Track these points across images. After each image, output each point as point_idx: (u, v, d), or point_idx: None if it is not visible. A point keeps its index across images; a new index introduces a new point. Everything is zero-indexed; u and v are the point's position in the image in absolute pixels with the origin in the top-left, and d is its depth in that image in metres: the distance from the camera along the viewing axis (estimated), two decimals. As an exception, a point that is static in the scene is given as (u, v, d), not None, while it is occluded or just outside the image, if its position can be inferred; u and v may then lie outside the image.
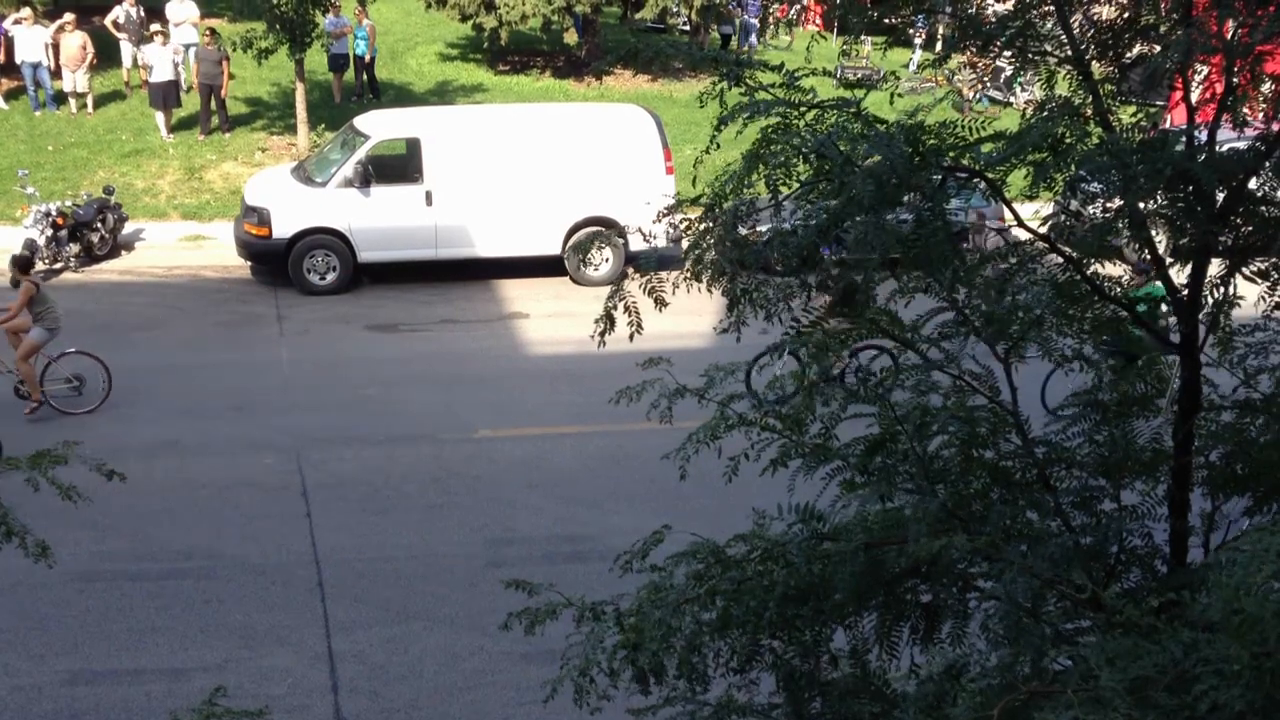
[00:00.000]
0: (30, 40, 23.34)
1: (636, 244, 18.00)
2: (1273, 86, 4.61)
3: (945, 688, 3.71)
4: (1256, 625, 2.92)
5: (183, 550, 11.62)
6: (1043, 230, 4.81)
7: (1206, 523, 5.02)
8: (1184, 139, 4.47)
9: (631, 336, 4.96)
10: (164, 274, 19.32)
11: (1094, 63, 4.79)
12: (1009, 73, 27.09)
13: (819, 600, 4.43)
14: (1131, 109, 4.87)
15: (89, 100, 24.37)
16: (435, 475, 13.24)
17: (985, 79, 27.65)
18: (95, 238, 18.98)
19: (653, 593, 4.44)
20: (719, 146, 4.60)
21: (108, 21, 25.06)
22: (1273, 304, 4.70)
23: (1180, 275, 4.71)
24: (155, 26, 23.87)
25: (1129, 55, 4.84)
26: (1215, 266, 4.66)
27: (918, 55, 30.60)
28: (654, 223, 5.26)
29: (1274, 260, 4.65)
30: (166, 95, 23.15)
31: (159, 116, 23.43)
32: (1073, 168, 4.30)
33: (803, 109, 4.36)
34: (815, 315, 4.89)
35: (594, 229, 18.27)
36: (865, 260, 4.30)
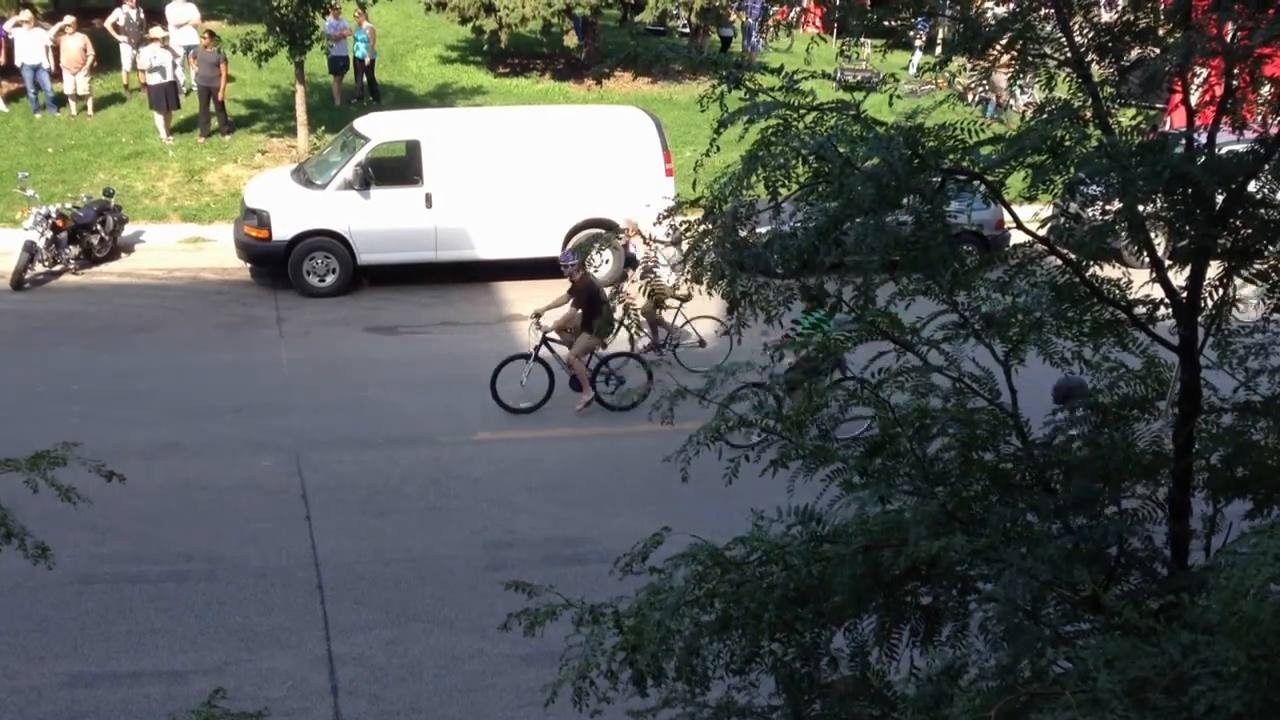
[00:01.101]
0: (30, 43, 23.35)
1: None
2: (1272, 89, 4.61)
3: (943, 688, 3.72)
4: (1254, 627, 2.92)
5: (182, 552, 11.61)
6: (1042, 233, 4.82)
7: (1208, 526, 5.02)
8: (1183, 142, 4.47)
9: (631, 338, 4.97)
10: (164, 276, 19.33)
11: (1093, 65, 4.80)
12: (1008, 75, 27.07)
13: (818, 602, 4.43)
14: (1131, 111, 4.87)
15: (89, 103, 24.38)
16: (435, 477, 13.24)
17: (985, 84, 27.62)
18: (95, 240, 18.99)
19: (652, 595, 4.44)
20: (719, 149, 4.61)
21: (108, 24, 25.06)
22: (1272, 306, 4.70)
23: (1180, 277, 4.71)
24: (155, 29, 23.88)
25: (1128, 58, 4.85)
26: (1214, 269, 4.66)
27: (917, 58, 30.59)
28: (654, 225, 5.27)
29: (1273, 262, 4.65)
30: (165, 97, 23.15)
31: (158, 118, 23.44)
32: (1072, 170, 4.31)
33: (802, 111, 4.37)
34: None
35: (594, 231, 18.27)
36: (865, 262, 4.30)
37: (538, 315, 14.65)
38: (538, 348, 14.51)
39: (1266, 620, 2.90)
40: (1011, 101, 27.30)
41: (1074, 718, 3.04)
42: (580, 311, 14.40)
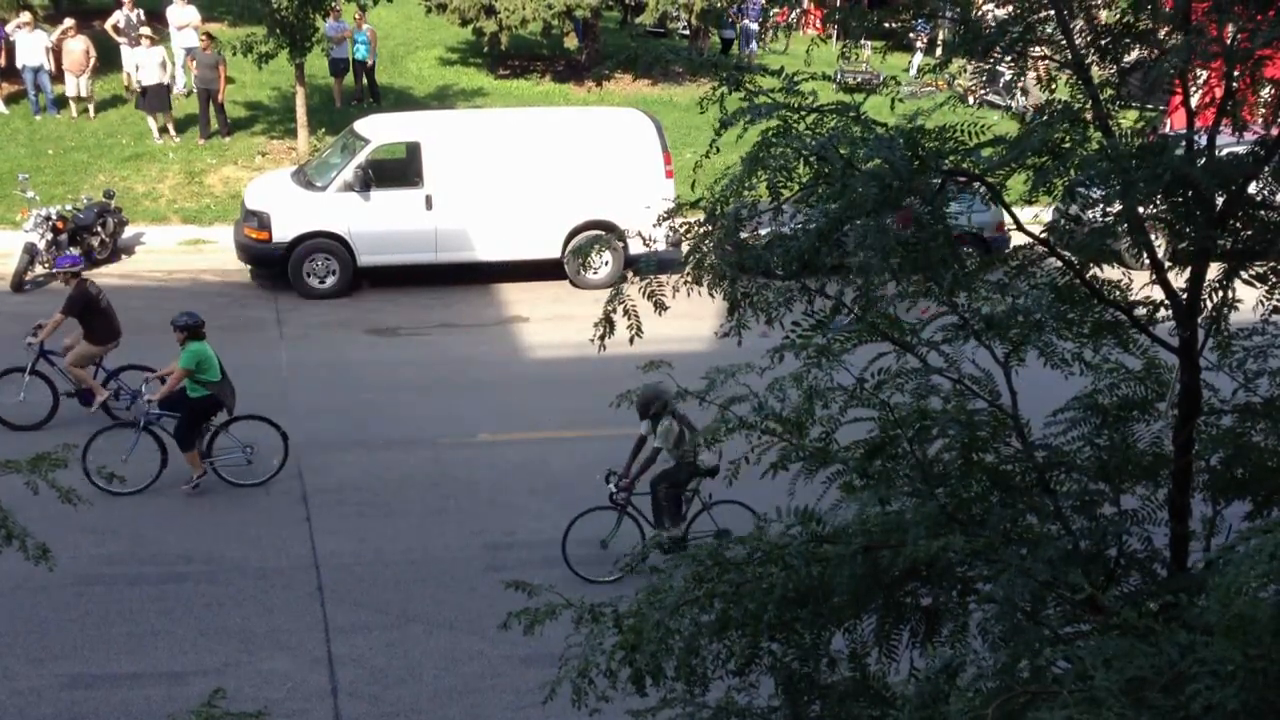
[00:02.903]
0: (31, 45, 23.36)
1: (636, 247, 18.00)
2: (1272, 91, 4.62)
3: (941, 686, 3.72)
4: (1251, 626, 2.93)
5: (182, 554, 11.61)
6: (1042, 234, 4.83)
7: (1207, 527, 5.02)
8: (1183, 144, 4.48)
9: (631, 340, 4.97)
10: (164, 278, 19.31)
11: (1093, 67, 4.81)
12: (1008, 77, 27.11)
13: (818, 603, 4.44)
14: (1132, 114, 4.88)
15: (90, 105, 24.39)
16: (435, 479, 13.24)
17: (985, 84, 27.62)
18: (95, 241, 18.98)
19: (651, 594, 4.45)
20: (719, 151, 4.61)
21: (108, 26, 25.08)
22: (1271, 308, 4.70)
23: (1179, 279, 4.72)
24: (144, 29, 23.86)
25: (1128, 60, 4.85)
26: (1214, 270, 4.67)
27: (918, 59, 30.62)
28: (654, 226, 5.28)
29: (1273, 264, 4.65)
30: (156, 99, 23.15)
31: (150, 120, 23.45)
32: (1072, 172, 4.31)
33: (803, 112, 4.38)
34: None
35: (594, 232, 18.26)
36: (867, 263, 4.31)
37: (37, 329, 13.81)
38: (34, 361, 13.70)
39: (1263, 620, 2.91)
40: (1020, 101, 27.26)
41: (1071, 716, 3.05)
42: (78, 320, 13.67)
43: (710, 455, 11.00)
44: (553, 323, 17.70)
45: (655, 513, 11.45)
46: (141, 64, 22.77)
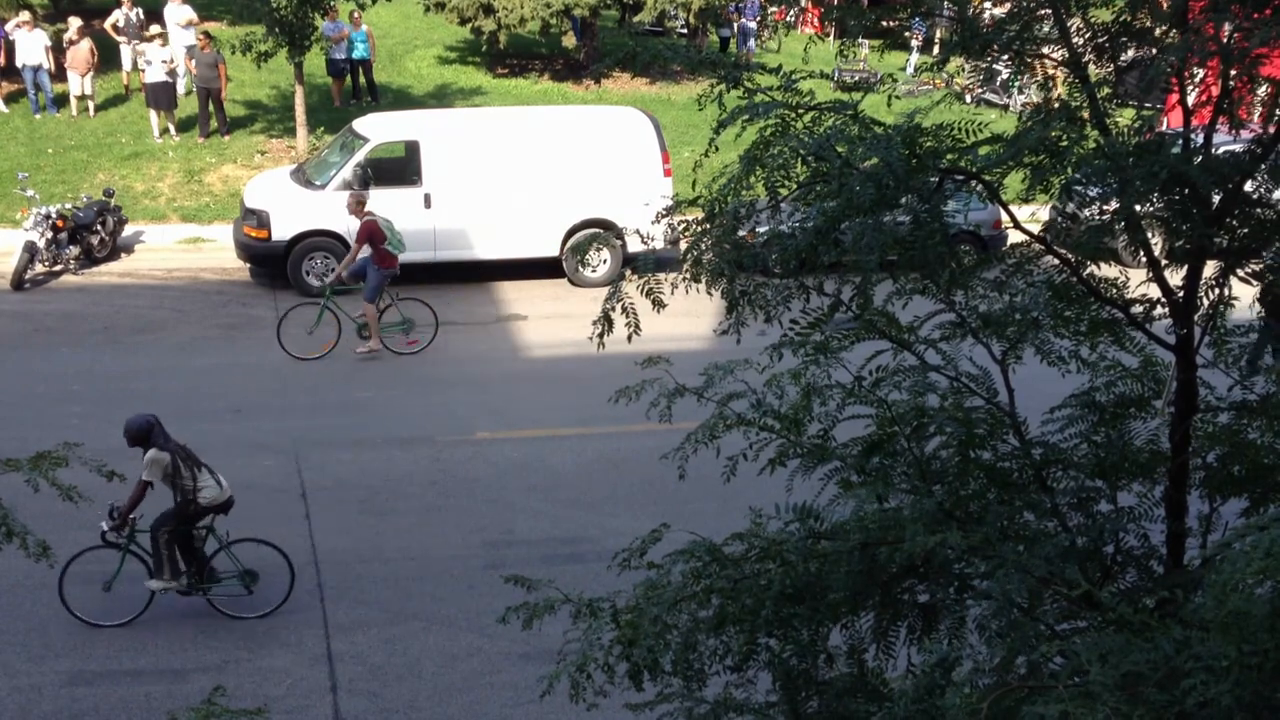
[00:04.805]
0: (31, 44, 23.38)
1: (635, 246, 18.02)
2: (1269, 89, 4.63)
3: (936, 680, 3.74)
4: (1246, 622, 2.94)
5: (182, 552, 11.61)
6: (1040, 232, 4.84)
7: (1204, 524, 5.04)
8: (1180, 142, 4.49)
9: (630, 338, 4.99)
10: (163, 276, 19.33)
11: (1090, 65, 4.82)
12: (1005, 75, 27.11)
13: (815, 599, 4.45)
14: (1129, 112, 4.90)
15: (90, 104, 24.41)
16: (434, 477, 13.26)
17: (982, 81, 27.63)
18: (95, 240, 19.01)
19: (649, 590, 4.46)
20: (717, 149, 4.63)
21: (107, 25, 25.12)
22: (1268, 305, 4.72)
23: (1176, 277, 4.73)
24: (155, 28, 23.91)
25: (1125, 58, 4.87)
26: (1210, 268, 4.68)
27: (915, 58, 30.66)
28: (652, 224, 5.29)
29: (1269, 262, 4.67)
30: (160, 97, 23.16)
31: (152, 118, 23.47)
32: (1069, 171, 4.33)
33: (800, 111, 4.39)
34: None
35: (592, 231, 18.29)
36: (864, 261, 4.32)
37: None
38: None
39: (1258, 616, 2.92)
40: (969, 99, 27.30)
41: (1066, 710, 3.06)
42: None
43: (214, 490, 10.33)
44: (551, 321, 17.71)
45: (155, 560, 10.44)
46: (150, 61, 22.80)
